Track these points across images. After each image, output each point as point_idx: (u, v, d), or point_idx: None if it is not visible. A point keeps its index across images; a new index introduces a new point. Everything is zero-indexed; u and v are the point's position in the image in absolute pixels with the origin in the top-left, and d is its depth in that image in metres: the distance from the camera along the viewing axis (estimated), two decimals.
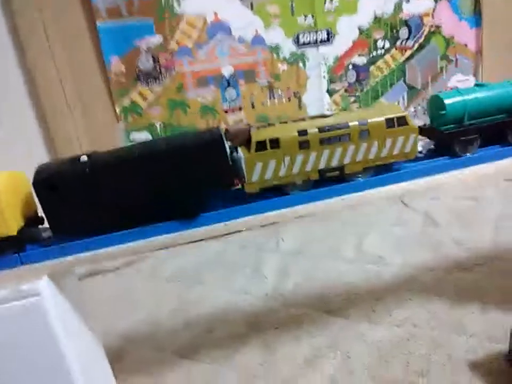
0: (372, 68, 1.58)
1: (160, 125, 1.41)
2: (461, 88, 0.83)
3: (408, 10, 1.56)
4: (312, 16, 1.47)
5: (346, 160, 0.74)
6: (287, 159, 0.72)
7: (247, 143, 0.72)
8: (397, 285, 1.13)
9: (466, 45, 1.66)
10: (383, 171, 0.77)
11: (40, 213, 0.71)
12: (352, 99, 1.59)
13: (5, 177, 0.65)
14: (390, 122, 0.74)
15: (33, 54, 1.23)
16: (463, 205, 1.48)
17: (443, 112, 0.79)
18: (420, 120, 1.70)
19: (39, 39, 1.22)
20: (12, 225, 0.64)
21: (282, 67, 1.49)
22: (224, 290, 1.22)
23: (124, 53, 1.32)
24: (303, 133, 0.72)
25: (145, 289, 1.25)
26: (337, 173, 0.75)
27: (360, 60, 1.57)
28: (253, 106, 1.49)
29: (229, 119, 1.47)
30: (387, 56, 1.59)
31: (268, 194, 0.74)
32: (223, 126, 0.74)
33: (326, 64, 1.53)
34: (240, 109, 1.48)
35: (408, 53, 1.61)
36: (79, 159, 0.66)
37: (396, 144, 0.75)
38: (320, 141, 0.72)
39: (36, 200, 0.68)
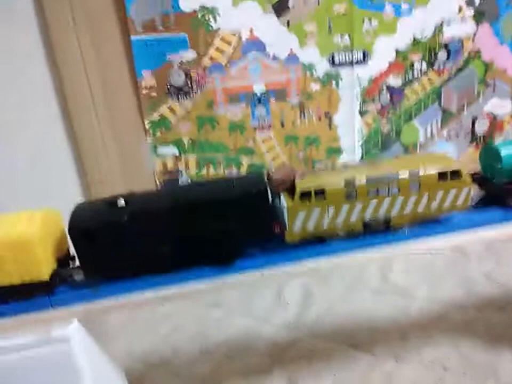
0: (407, 90, 1.54)
1: (188, 140, 1.38)
2: None
3: (448, 33, 1.51)
4: (349, 35, 1.43)
5: (394, 213, 0.71)
6: (331, 210, 0.69)
7: (290, 190, 0.69)
8: (424, 320, 1.10)
9: (505, 70, 1.60)
10: (431, 223, 0.74)
11: (72, 251, 0.70)
12: (384, 121, 1.54)
13: (40, 219, 0.63)
14: (442, 176, 0.70)
15: (67, 67, 1.22)
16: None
17: (499, 164, 0.75)
18: (452, 143, 1.67)
19: (72, 51, 1.21)
20: (44, 271, 0.62)
21: (315, 86, 1.45)
22: (244, 316, 1.20)
23: (156, 67, 1.30)
24: (350, 183, 0.68)
25: (161, 311, 1.23)
26: (383, 225, 0.72)
27: (395, 82, 1.52)
28: (282, 125, 1.45)
29: (258, 137, 1.44)
30: (423, 79, 1.54)
31: (308, 244, 0.71)
32: (265, 171, 0.70)
33: (360, 85, 1.48)
34: (269, 127, 1.44)
35: (446, 76, 1.56)
36: (115, 203, 0.64)
37: (448, 197, 0.71)
38: (367, 192, 0.69)
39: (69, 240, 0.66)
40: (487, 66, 1.58)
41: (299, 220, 0.68)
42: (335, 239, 0.72)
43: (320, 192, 0.68)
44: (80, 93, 1.26)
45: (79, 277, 0.67)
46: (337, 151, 1.53)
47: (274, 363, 1.03)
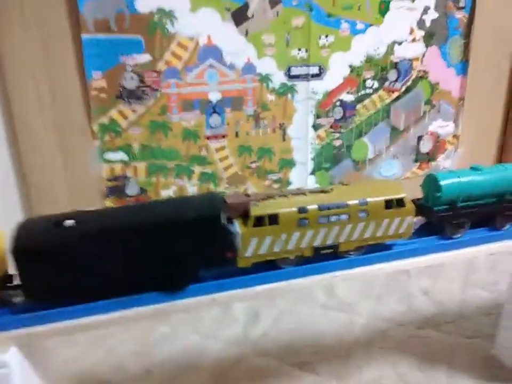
0: (359, 106, 1.58)
1: (138, 146, 1.33)
2: (457, 170, 0.83)
3: (399, 53, 1.57)
4: (306, 50, 1.44)
5: (342, 239, 0.72)
6: (284, 235, 0.69)
7: (243, 215, 0.69)
8: (367, 338, 1.13)
9: (450, 92, 1.69)
10: (375, 249, 0.76)
11: (11, 271, 0.65)
12: (337, 135, 1.58)
13: None
14: (389, 203, 0.73)
15: (12, 62, 1.14)
16: None
17: (438, 193, 0.79)
18: (398, 160, 1.74)
19: (19, 46, 1.13)
20: None
21: (271, 97, 1.46)
22: (190, 333, 1.17)
23: (107, 69, 1.24)
24: (302, 210, 0.69)
25: (104, 331, 1.18)
26: (331, 250, 0.73)
27: (348, 97, 1.56)
28: (236, 135, 1.45)
29: (211, 145, 1.42)
30: (374, 96, 1.59)
31: (259, 268, 0.71)
32: (220, 195, 0.69)
33: (314, 98, 1.51)
34: (223, 136, 1.43)
35: (395, 95, 1.62)
36: (63, 222, 0.60)
37: (392, 224, 0.74)
38: (318, 218, 0.70)
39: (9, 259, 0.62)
40: (433, 88, 1.66)
41: (252, 246, 0.68)
42: (286, 264, 0.72)
43: (274, 218, 0.68)
44: (25, 90, 1.18)
45: (17, 299, 0.63)
46: (290, 163, 1.55)
47: (217, 383, 1.02)
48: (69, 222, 0.61)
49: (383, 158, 1.67)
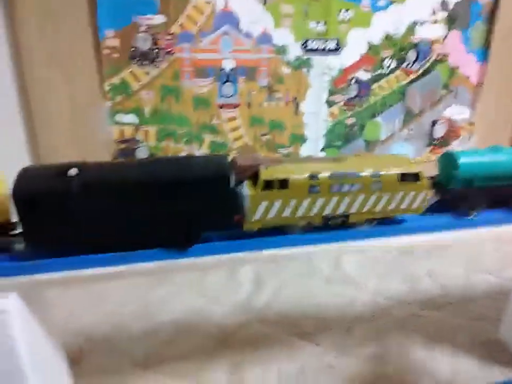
0: (374, 85, 1.54)
1: (149, 110, 1.31)
2: (476, 149, 0.81)
3: (419, 34, 1.53)
4: (325, 23, 1.40)
5: (353, 210, 0.71)
6: (293, 201, 0.67)
7: (253, 178, 0.67)
8: (370, 313, 1.13)
9: (469, 78, 1.65)
10: (386, 221, 0.75)
11: (13, 218, 0.64)
12: (350, 113, 1.55)
13: None
14: (404, 177, 0.71)
15: (22, 18, 1.11)
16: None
17: (455, 171, 0.77)
18: (410, 144, 1.71)
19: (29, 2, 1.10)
20: None
21: (286, 70, 1.42)
22: (194, 295, 1.18)
23: (120, 27, 1.21)
24: (314, 177, 0.67)
25: (107, 286, 1.18)
26: (341, 220, 0.71)
27: (364, 76, 1.52)
28: (249, 106, 1.42)
29: (222, 115, 1.40)
30: (391, 76, 1.55)
31: (266, 233, 0.70)
32: (230, 156, 0.67)
33: (330, 74, 1.47)
34: (235, 106, 1.41)
35: (412, 76, 1.58)
36: (66, 171, 0.59)
37: (406, 199, 0.72)
38: (330, 187, 0.68)
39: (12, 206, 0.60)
40: (452, 72, 1.62)
41: (260, 210, 0.66)
42: (294, 231, 0.71)
43: (284, 182, 0.66)
44: (35, 46, 1.15)
45: (19, 246, 0.62)
46: (301, 138, 1.52)
47: (218, 346, 1.02)
48: (72, 171, 0.59)
49: (395, 140, 1.64)
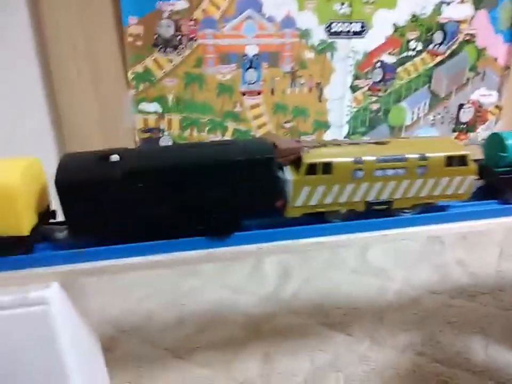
0: (400, 69, 1.50)
1: (172, 98, 1.30)
2: None
3: (446, 14, 1.48)
4: (350, 5, 1.36)
5: (397, 195, 0.68)
6: (336, 186, 0.65)
7: (295, 162, 0.65)
8: (400, 304, 1.11)
9: (496, 59, 1.60)
10: (430, 209, 0.72)
11: (53, 206, 0.63)
12: (374, 98, 1.51)
13: (22, 167, 0.56)
14: (450, 160, 0.68)
15: (47, 7, 1.09)
16: None
17: (503, 153, 0.74)
18: (436, 129, 1.67)
19: None
20: (25, 225, 0.56)
21: (309, 55, 1.39)
22: (221, 286, 1.17)
23: (143, 14, 1.19)
24: (358, 160, 0.65)
25: (136, 276, 1.18)
26: (384, 206, 0.69)
27: (389, 59, 1.48)
28: (272, 92, 1.39)
29: (246, 102, 1.38)
30: (417, 59, 1.51)
31: (307, 219, 0.68)
32: (271, 139, 0.65)
33: (354, 58, 1.44)
34: (258, 93, 1.38)
35: (439, 58, 1.53)
36: (108, 157, 0.58)
37: (452, 184, 0.69)
38: (374, 171, 0.66)
39: (51, 193, 0.59)
40: (479, 53, 1.57)
41: (302, 195, 0.64)
42: (336, 217, 0.69)
43: (328, 166, 0.64)
44: (60, 36, 1.14)
45: (60, 234, 0.61)
46: (324, 125, 1.49)
47: (248, 336, 1.01)
48: (114, 158, 0.58)
49: (421, 125, 1.60)
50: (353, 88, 1.48)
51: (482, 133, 1.68)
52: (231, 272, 1.22)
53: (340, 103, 1.48)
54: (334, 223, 0.68)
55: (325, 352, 0.97)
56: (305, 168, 0.63)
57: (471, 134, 1.67)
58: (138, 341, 0.99)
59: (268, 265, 1.25)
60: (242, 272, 1.22)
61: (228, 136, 1.39)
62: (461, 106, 1.62)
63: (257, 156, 0.60)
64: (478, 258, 1.27)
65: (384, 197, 0.68)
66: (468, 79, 1.59)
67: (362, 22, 1.40)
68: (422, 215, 0.71)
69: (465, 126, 1.65)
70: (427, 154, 0.67)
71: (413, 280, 1.18)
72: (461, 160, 0.68)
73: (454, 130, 1.65)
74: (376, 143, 0.70)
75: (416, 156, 0.67)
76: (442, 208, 0.73)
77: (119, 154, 0.58)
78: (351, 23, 1.39)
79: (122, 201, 0.58)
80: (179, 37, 1.24)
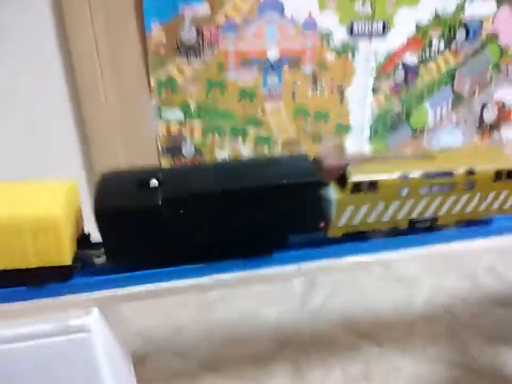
0: (422, 69, 1.47)
1: (195, 105, 1.27)
2: None
3: (469, 11, 1.44)
4: (371, 4, 1.33)
5: (442, 211, 0.66)
6: (381, 204, 0.63)
7: (340, 179, 0.63)
8: (430, 313, 1.09)
9: None
10: (474, 223, 0.70)
11: (87, 229, 0.62)
12: (396, 100, 1.48)
13: (64, 193, 0.54)
14: (499, 175, 0.65)
15: (71, 14, 1.07)
16: None
17: None
18: (460, 129, 1.64)
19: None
20: (68, 255, 0.54)
21: (330, 56, 1.37)
22: (249, 297, 1.15)
23: (166, 20, 1.17)
24: (404, 177, 0.62)
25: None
26: (428, 223, 0.67)
27: (411, 60, 1.45)
28: (293, 96, 1.37)
29: (267, 107, 1.35)
30: (439, 59, 1.48)
31: (348, 238, 0.66)
32: (313, 157, 0.63)
33: (376, 59, 1.41)
34: (279, 98, 1.36)
35: (461, 57, 1.50)
36: (148, 183, 0.56)
37: (498, 198, 0.67)
38: (420, 187, 0.63)
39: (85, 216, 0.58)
40: (503, 51, 1.54)
41: (346, 214, 0.62)
42: (377, 235, 0.67)
43: (373, 185, 0.62)
44: (84, 44, 1.12)
45: (99, 260, 0.60)
46: (346, 128, 1.47)
47: (277, 347, 1.00)
48: (154, 182, 0.57)
49: (444, 126, 1.57)
50: (375, 90, 1.45)
51: (506, 132, 1.64)
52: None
53: (361, 105, 1.46)
54: (375, 240, 0.66)
55: (356, 363, 0.95)
56: (351, 187, 0.61)
57: (495, 134, 1.64)
58: (167, 354, 0.99)
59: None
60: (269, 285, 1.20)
61: (249, 142, 1.37)
62: (484, 106, 1.59)
63: (305, 178, 0.58)
64: (509, 264, 1.24)
65: (429, 214, 0.66)
66: (491, 78, 1.56)
67: (384, 22, 1.37)
68: (466, 229, 0.69)
69: (489, 126, 1.62)
70: (476, 169, 0.64)
71: (442, 289, 1.16)
72: (510, 173, 0.66)
73: (477, 131, 1.61)
74: (423, 156, 0.68)
75: (464, 171, 0.64)
76: (485, 222, 0.70)
77: (157, 176, 0.57)
78: (372, 22, 1.36)
79: (163, 228, 0.56)
80: (201, 42, 1.22)
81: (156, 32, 1.16)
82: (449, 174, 0.64)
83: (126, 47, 1.15)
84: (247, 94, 1.32)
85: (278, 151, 1.41)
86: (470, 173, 0.64)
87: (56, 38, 1.07)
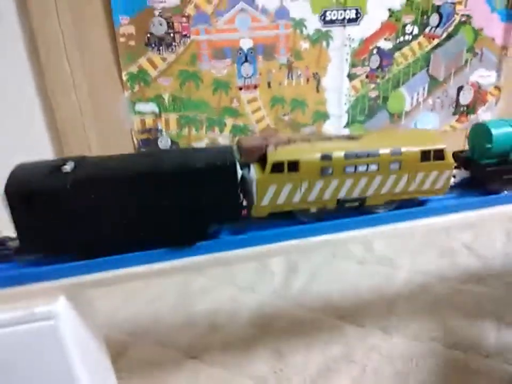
0: (397, 54, 1.48)
1: (168, 97, 1.28)
2: (509, 119, 0.74)
3: None
4: None
5: (370, 192, 0.64)
6: (304, 184, 0.62)
7: (261, 160, 0.62)
8: (409, 291, 1.10)
9: (493, 39, 1.58)
10: (406, 204, 0.68)
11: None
12: (372, 86, 1.50)
13: None
14: (425, 155, 0.64)
15: (38, 9, 1.07)
16: None
17: (488, 144, 0.69)
18: (436, 113, 1.65)
19: None
20: None
21: (305, 45, 1.37)
22: (229, 285, 1.16)
23: (135, 13, 1.17)
24: (326, 157, 0.61)
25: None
26: (356, 204, 0.66)
27: (385, 45, 1.46)
28: (269, 86, 1.38)
29: (243, 97, 1.36)
30: (414, 43, 1.49)
31: (277, 222, 0.64)
32: (235, 140, 0.63)
33: (350, 46, 1.42)
34: (255, 87, 1.36)
35: (436, 41, 1.51)
36: (60, 167, 0.55)
37: (428, 179, 0.66)
38: (344, 167, 0.62)
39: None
40: (476, 34, 1.55)
41: (269, 194, 0.61)
42: (306, 216, 0.65)
43: (294, 164, 0.60)
44: (52, 39, 1.12)
45: (12, 243, 0.59)
46: (324, 115, 1.48)
47: (259, 334, 1.01)
48: (68, 167, 0.55)
49: (420, 110, 1.58)
50: (351, 77, 1.46)
51: (482, 114, 1.66)
52: (237, 270, 1.21)
53: (338, 93, 1.46)
54: (304, 224, 0.65)
55: (337, 344, 0.96)
56: (270, 167, 0.60)
57: (472, 116, 1.65)
58: (148, 343, 0.99)
59: (273, 261, 1.24)
60: (249, 270, 1.21)
61: (226, 132, 1.38)
62: (460, 88, 1.60)
63: (217, 162, 0.57)
64: (486, 241, 1.26)
65: (356, 194, 0.64)
66: (466, 61, 1.57)
67: (357, 9, 1.38)
68: (397, 211, 0.68)
69: (465, 108, 1.63)
70: (401, 149, 0.64)
71: (420, 267, 1.18)
72: (438, 154, 0.65)
73: (454, 113, 1.63)
74: (349, 138, 0.66)
75: (389, 150, 0.63)
76: (419, 203, 0.69)
77: (75, 163, 0.56)
78: (345, 10, 1.37)
79: (74, 212, 0.55)
80: (172, 34, 1.22)
81: (125, 26, 1.16)
82: (373, 153, 0.63)
83: (95, 42, 1.15)
84: (221, 85, 1.32)
85: None
86: (396, 152, 0.63)
87: (23, 34, 1.07)
